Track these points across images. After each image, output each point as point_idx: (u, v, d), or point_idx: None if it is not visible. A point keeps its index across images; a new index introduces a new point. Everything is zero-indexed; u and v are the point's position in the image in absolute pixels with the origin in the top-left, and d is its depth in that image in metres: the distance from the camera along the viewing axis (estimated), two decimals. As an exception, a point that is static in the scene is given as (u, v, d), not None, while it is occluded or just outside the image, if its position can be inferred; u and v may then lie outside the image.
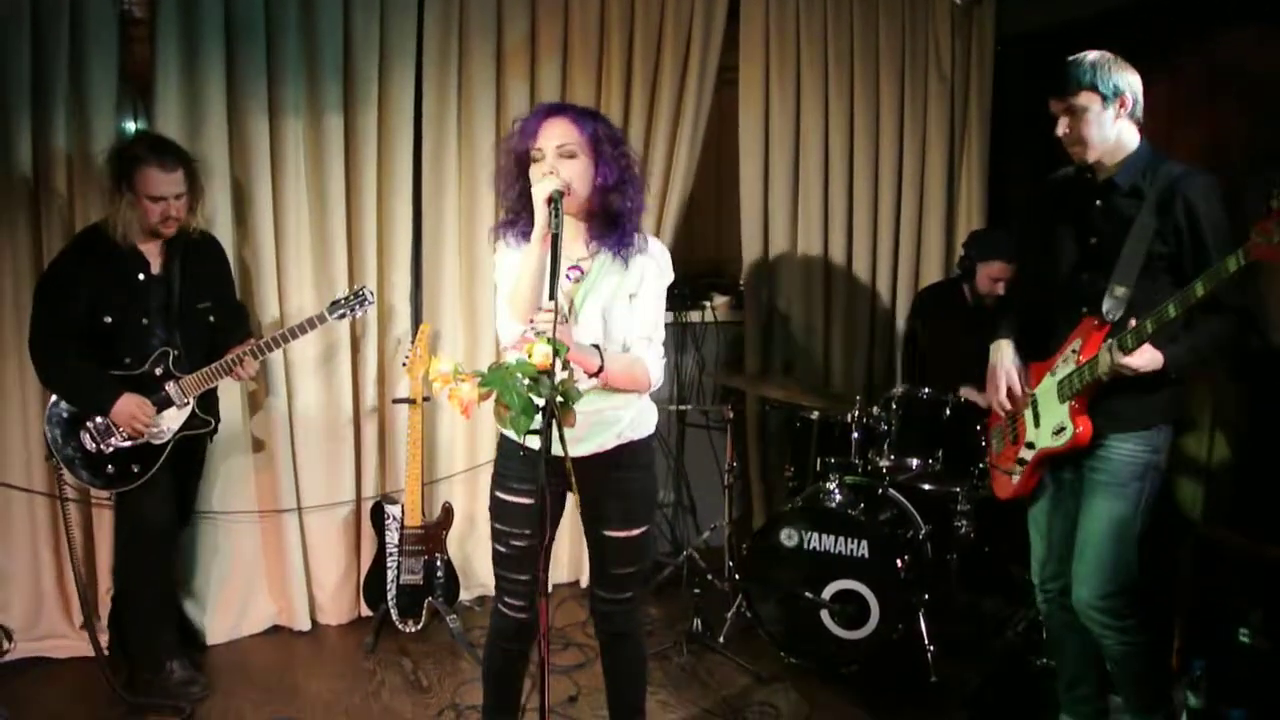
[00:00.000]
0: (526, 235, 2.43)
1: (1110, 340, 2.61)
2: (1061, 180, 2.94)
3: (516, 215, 2.49)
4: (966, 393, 3.90)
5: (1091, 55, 2.68)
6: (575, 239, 2.48)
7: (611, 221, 2.47)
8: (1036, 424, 2.88)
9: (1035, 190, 3.02)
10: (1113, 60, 2.68)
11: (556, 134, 2.39)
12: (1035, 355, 2.94)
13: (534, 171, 2.39)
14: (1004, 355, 2.97)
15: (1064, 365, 2.79)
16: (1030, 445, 2.90)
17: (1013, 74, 4.85)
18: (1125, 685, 2.89)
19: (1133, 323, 2.57)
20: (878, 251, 4.80)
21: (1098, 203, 2.77)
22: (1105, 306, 2.68)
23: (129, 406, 3.21)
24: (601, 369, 2.37)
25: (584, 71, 4.20)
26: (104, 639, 3.60)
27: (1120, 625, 2.74)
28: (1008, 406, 2.95)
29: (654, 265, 2.53)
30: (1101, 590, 2.73)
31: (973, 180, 4.85)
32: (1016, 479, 2.96)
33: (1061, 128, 2.70)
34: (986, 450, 3.28)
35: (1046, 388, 2.85)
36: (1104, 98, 2.64)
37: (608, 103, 4.23)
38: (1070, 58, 2.70)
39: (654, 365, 2.51)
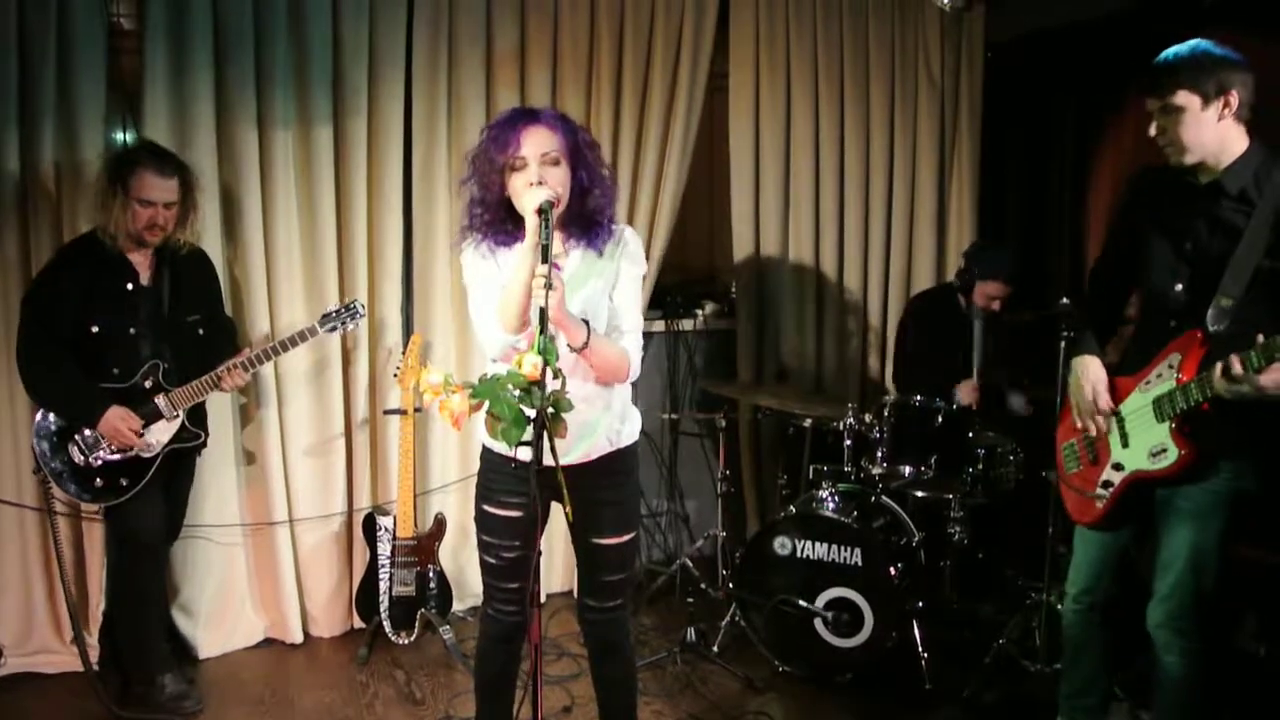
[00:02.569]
0: (501, 243, 2.44)
1: (1228, 358, 2.33)
2: (1158, 174, 2.63)
3: (488, 224, 2.46)
4: (962, 391, 3.91)
5: (1191, 49, 2.40)
6: (555, 239, 2.47)
7: (588, 219, 2.47)
8: (1124, 444, 2.66)
9: (1134, 180, 2.75)
10: (1216, 53, 2.40)
11: (539, 142, 2.37)
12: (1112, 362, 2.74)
13: (518, 181, 2.37)
14: (1089, 370, 2.72)
15: (1159, 382, 2.55)
16: (1118, 467, 2.68)
17: (1003, 79, 4.85)
18: (1167, 710, 2.70)
19: (1260, 338, 2.29)
20: (869, 258, 4.81)
21: (1199, 207, 2.50)
22: (1210, 319, 2.44)
23: (114, 419, 3.19)
24: (586, 345, 2.36)
25: (574, 79, 4.19)
26: (95, 654, 3.59)
27: (1184, 647, 2.60)
28: (1090, 428, 2.73)
29: (628, 257, 2.53)
30: (1176, 612, 2.59)
31: (964, 186, 4.85)
32: (1102, 504, 2.73)
33: (1152, 128, 2.44)
34: (1057, 467, 2.98)
35: (1137, 405, 2.61)
36: (1204, 97, 2.38)
37: (598, 110, 4.23)
38: (1167, 52, 2.42)
39: (634, 354, 2.51)
